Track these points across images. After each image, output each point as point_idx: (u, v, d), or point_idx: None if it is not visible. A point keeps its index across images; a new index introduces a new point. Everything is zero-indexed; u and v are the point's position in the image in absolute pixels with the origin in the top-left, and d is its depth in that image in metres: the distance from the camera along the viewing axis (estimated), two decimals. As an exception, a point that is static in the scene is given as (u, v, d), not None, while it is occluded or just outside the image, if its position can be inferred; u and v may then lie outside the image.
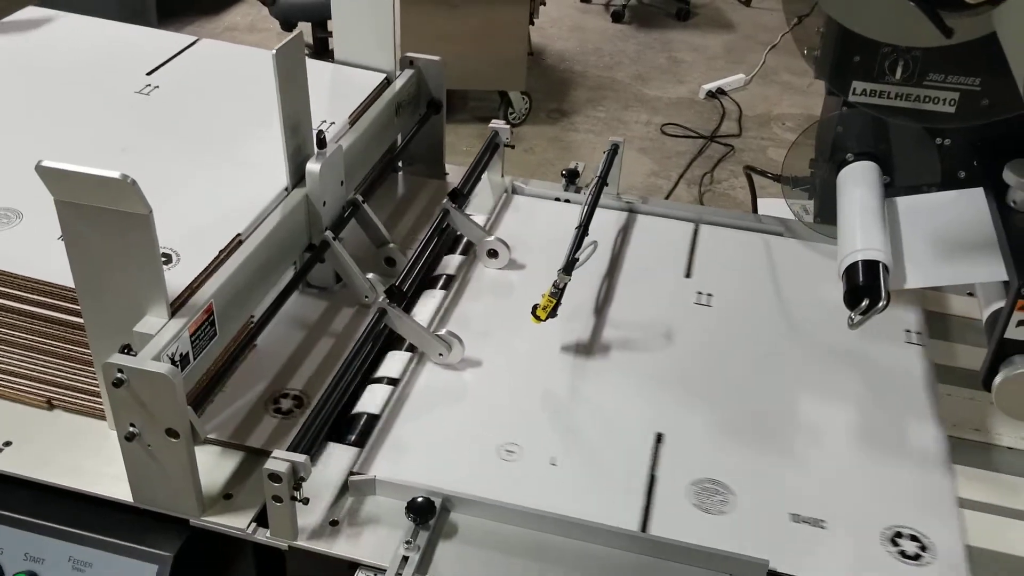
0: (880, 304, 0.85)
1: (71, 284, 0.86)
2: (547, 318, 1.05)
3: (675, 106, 4.00)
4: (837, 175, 1.08)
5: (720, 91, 4.04)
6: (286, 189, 1.07)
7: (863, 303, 0.86)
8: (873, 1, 0.91)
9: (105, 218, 0.80)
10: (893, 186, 1.08)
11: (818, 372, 1.05)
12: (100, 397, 0.94)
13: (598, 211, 1.36)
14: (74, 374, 0.95)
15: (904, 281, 0.93)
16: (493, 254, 1.23)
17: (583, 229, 1.18)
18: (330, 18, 1.34)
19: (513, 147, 1.44)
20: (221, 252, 0.96)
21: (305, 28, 3.62)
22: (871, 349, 1.05)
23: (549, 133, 3.71)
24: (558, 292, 1.04)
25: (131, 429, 0.82)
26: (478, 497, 0.89)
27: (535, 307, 1.05)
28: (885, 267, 0.89)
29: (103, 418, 0.95)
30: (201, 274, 0.92)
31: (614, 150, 1.38)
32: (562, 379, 1.06)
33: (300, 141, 1.07)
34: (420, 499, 0.87)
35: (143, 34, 1.41)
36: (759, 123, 3.87)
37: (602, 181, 1.31)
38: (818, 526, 0.89)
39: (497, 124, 1.40)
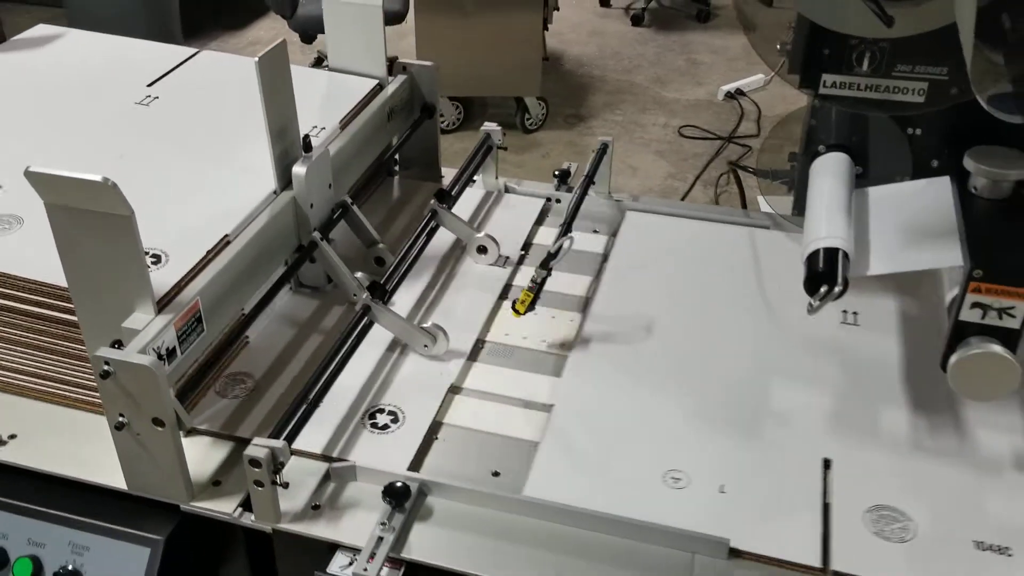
0: (836, 290, 0.87)
1: (66, 284, 0.92)
2: (525, 312, 1.08)
3: (693, 108, 4.01)
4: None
5: (739, 92, 4.05)
6: (275, 192, 1.12)
7: (822, 289, 0.89)
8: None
9: (90, 220, 0.85)
10: (866, 176, 1.10)
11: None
12: (97, 392, 0.99)
13: (588, 210, 1.41)
14: (73, 370, 1.00)
15: (868, 268, 0.95)
16: (482, 250, 1.27)
17: (566, 226, 1.21)
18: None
19: (506, 148, 1.48)
20: (209, 252, 1.01)
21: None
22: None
23: (566, 138, 3.75)
24: (535, 287, 1.08)
25: (120, 419, 0.87)
26: (452, 483, 0.93)
27: (514, 301, 1.09)
28: (845, 255, 0.91)
29: (101, 412, 1.00)
30: (189, 273, 0.97)
31: (603, 150, 1.41)
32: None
33: (287, 145, 1.12)
34: (396, 484, 0.91)
35: (147, 48, 1.47)
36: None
37: (588, 180, 1.34)
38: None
39: (489, 127, 1.44)
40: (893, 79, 1.04)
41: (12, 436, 0.99)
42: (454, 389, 1.07)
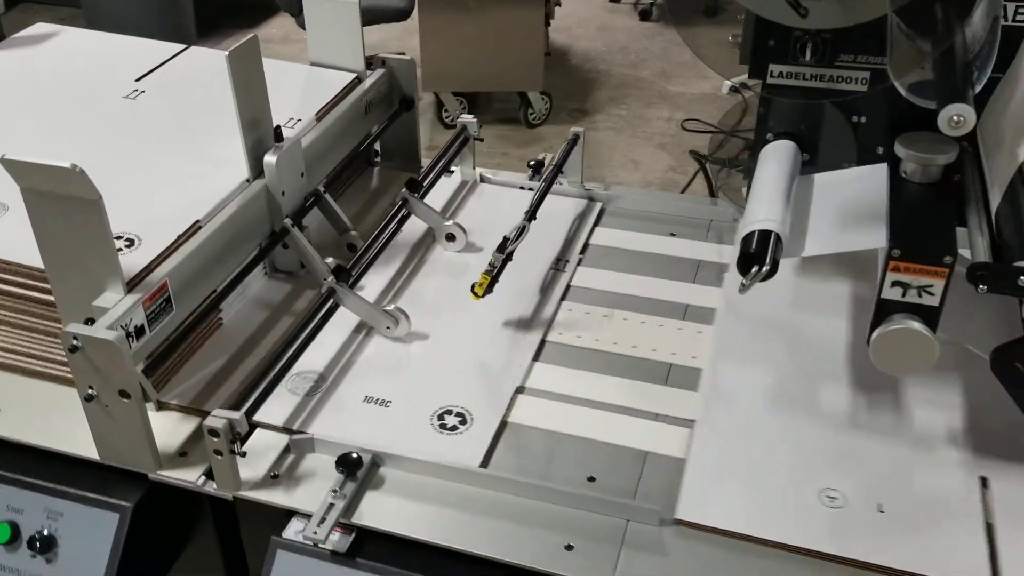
0: (763, 270, 0.91)
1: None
2: (484, 294, 1.13)
3: (698, 102, 4.04)
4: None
5: (744, 85, 4.07)
6: (247, 180, 1.17)
7: (753, 269, 0.93)
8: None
9: (62, 204, 0.90)
10: (813, 163, 1.14)
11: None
12: (74, 368, 1.05)
13: (560, 199, 1.46)
14: (53, 347, 1.06)
15: (803, 250, 0.99)
16: (451, 238, 1.32)
17: (530, 214, 1.26)
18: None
19: (482, 140, 1.53)
20: (180, 237, 1.06)
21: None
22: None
23: (569, 133, 3.79)
24: (493, 270, 1.13)
25: (90, 391, 0.93)
26: (404, 454, 0.98)
27: (473, 285, 1.14)
28: (778, 237, 0.95)
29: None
30: (159, 256, 1.03)
31: (574, 140, 1.45)
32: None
33: (260, 136, 1.17)
34: (349, 454, 0.96)
35: (140, 45, 1.53)
36: (781, 116, 3.89)
37: (556, 169, 1.39)
38: None
39: (465, 119, 1.48)
40: (836, 68, 1.08)
41: (-4, 409, 1.06)
42: (520, 389, 1.08)
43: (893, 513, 0.90)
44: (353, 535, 0.93)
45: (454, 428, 1.02)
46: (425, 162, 1.55)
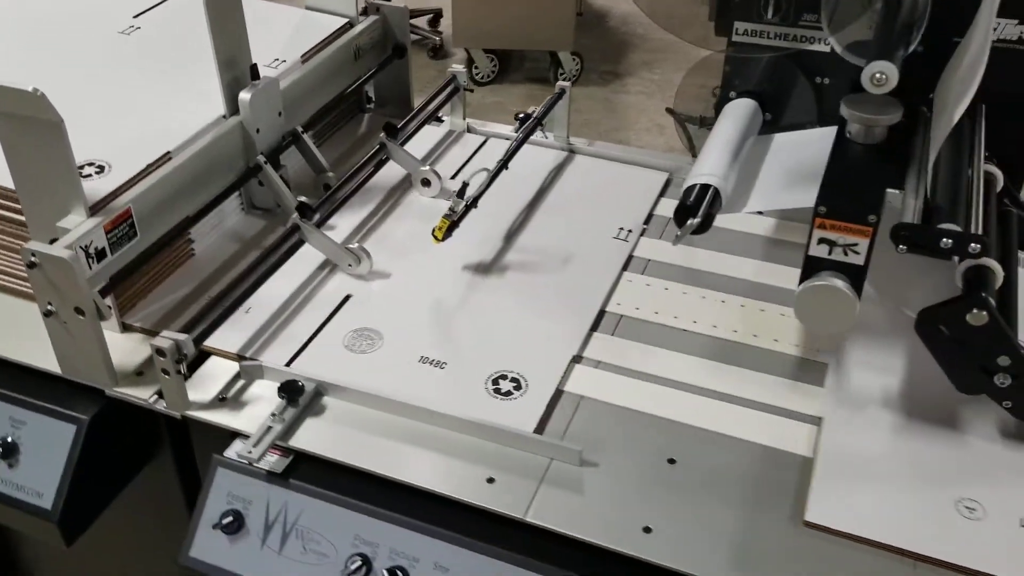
0: (694, 222, 0.92)
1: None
2: (444, 238, 1.15)
3: (734, 69, 3.99)
4: (722, 112, 1.14)
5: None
6: (224, 116, 1.21)
7: (688, 221, 0.94)
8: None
9: (27, 126, 0.95)
10: (775, 123, 1.14)
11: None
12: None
13: (540, 151, 1.48)
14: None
15: (745, 206, 1.00)
16: (426, 183, 1.34)
17: (503, 163, 1.28)
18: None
19: (472, 91, 1.54)
20: (149, 166, 1.11)
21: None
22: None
23: (599, 95, 3.77)
24: (452, 215, 1.15)
25: (48, 307, 0.98)
26: (346, 384, 1.01)
27: (434, 228, 1.16)
28: (716, 192, 0.96)
29: (50, 306, 1.12)
30: (126, 183, 1.07)
31: (558, 95, 1.47)
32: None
33: (237, 74, 1.20)
34: (293, 381, 1.00)
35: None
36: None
37: (537, 121, 1.40)
38: None
39: (455, 69, 1.50)
40: (800, 28, 1.08)
41: (-29, 323, 1.12)
42: (576, 359, 1.06)
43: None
44: (291, 458, 0.97)
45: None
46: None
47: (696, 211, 0.93)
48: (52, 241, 0.99)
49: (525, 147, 1.37)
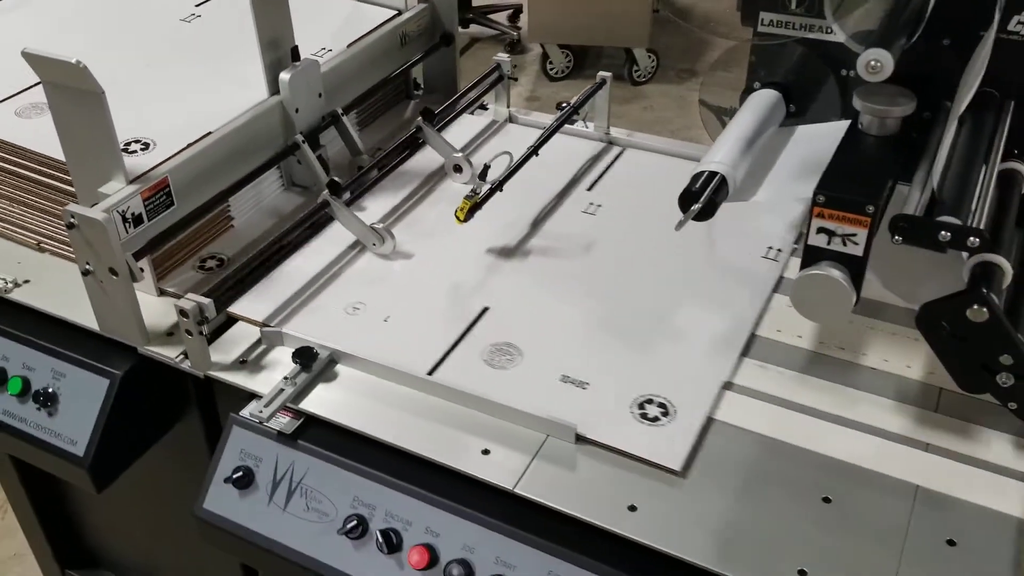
0: (695, 207, 0.93)
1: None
2: (465, 219, 1.18)
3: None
4: (746, 103, 1.14)
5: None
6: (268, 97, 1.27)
7: (693, 208, 0.95)
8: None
9: (72, 95, 1.02)
10: (799, 115, 1.13)
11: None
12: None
13: (577, 141, 1.49)
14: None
15: (754, 195, 1.00)
16: (458, 169, 1.38)
17: (534, 149, 1.31)
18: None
19: (516, 79, 1.57)
20: (190, 143, 1.17)
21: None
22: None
23: (674, 92, 3.75)
24: (473, 196, 1.18)
25: (87, 266, 1.05)
26: (358, 354, 1.05)
27: (456, 209, 1.20)
28: (723, 179, 0.96)
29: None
30: (168, 158, 1.14)
31: (599, 85, 1.48)
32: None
33: (280, 55, 1.26)
34: (307, 347, 1.04)
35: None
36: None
37: (572, 110, 1.42)
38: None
39: (500, 58, 1.53)
40: (825, 19, 1.07)
41: (26, 281, 1.20)
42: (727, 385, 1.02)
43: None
44: (301, 420, 1.02)
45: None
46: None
47: (699, 197, 0.94)
48: (93, 206, 1.06)
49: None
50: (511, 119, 1.56)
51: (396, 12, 1.50)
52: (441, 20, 1.56)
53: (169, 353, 1.09)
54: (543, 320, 1.11)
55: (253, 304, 1.13)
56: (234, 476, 1.01)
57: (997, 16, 0.84)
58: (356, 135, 1.36)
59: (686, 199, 0.96)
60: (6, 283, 1.18)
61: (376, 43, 1.43)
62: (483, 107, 1.56)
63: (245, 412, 1.03)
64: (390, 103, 1.57)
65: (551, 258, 1.23)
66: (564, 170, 1.41)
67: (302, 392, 1.03)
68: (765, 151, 1.06)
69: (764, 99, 1.10)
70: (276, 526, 1.00)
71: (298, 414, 1.02)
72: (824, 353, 1.06)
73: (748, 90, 1.14)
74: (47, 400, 1.11)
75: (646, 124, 3.48)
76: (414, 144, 1.36)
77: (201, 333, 1.03)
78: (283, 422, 1.02)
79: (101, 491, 1.12)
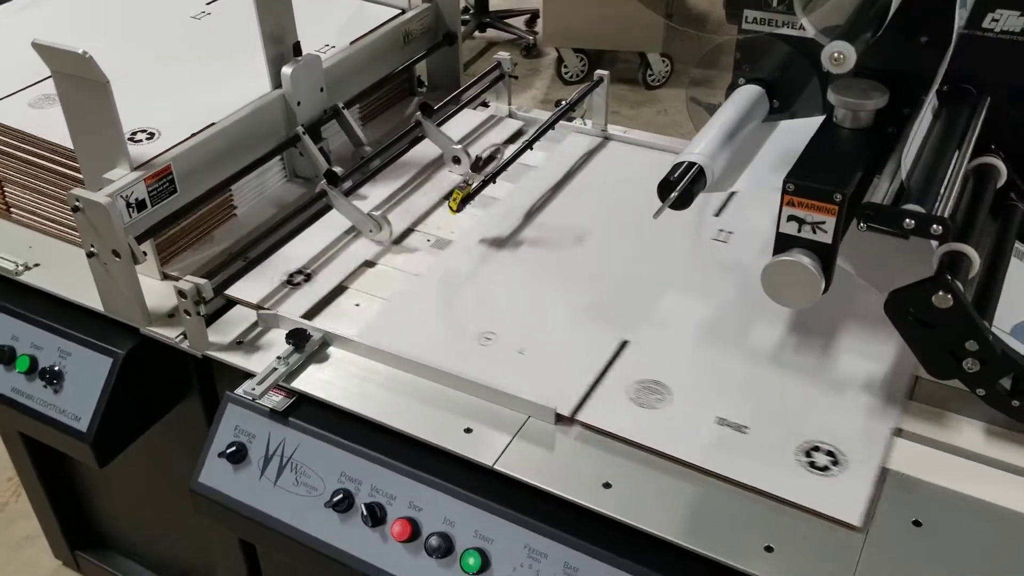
0: (672, 196, 0.96)
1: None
2: (459, 209, 1.22)
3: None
4: (731, 98, 1.17)
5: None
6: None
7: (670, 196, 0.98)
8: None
9: (78, 85, 1.06)
10: (782, 110, 1.16)
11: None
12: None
13: (575, 137, 1.53)
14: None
15: (733, 185, 1.03)
16: (456, 161, 1.41)
17: (528, 143, 1.34)
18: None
19: (516, 77, 1.61)
20: (193, 133, 1.21)
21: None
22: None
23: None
24: (465, 186, 1.22)
25: (91, 248, 1.10)
26: (348, 336, 1.09)
27: (448, 200, 1.23)
28: (701, 170, 0.99)
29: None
30: (171, 147, 1.18)
31: (596, 83, 1.51)
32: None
33: (282, 50, 1.30)
34: (301, 330, 1.08)
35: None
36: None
37: (569, 106, 1.45)
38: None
39: (500, 56, 1.57)
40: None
41: (36, 264, 1.25)
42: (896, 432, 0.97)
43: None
44: (293, 399, 1.06)
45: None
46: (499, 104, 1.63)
47: (676, 186, 0.96)
48: (98, 191, 1.11)
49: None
50: (511, 115, 1.59)
51: (400, 11, 1.55)
52: (444, 20, 1.60)
53: (169, 333, 1.13)
54: (689, 357, 1.06)
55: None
56: (228, 451, 1.05)
57: (958, 13, 0.87)
58: (358, 128, 1.40)
59: (664, 188, 0.99)
60: (17, 266, 1.23)
61: (379, 41, 1.47)
62: (484, 104, 1.60)
63: (239, 390, 1.07)
64: (394, 99, 1.61)
65: (687, 295, 1.17)
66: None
67: (294, 372, 1.07)
68: (747, 144, 1.09)
69: (747, 94, 1.13)
70: (267, 499, 1.04)
71: (290, 393, 1.06)
72: None
73: (733, 86, 1.17)
74: (53, 378, 1.16)
75: (660, 128, 3.50)
76: (414, 137, 1.40)
77: (199, 314, 1.07)
78: (275, 400, 1.05)
79: (103, 466, 1.16)
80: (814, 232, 0.91)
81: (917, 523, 0.88)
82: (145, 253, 1.12)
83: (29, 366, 1.17)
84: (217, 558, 1.46)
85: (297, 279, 1.20)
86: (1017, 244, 1.05)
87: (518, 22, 4.35)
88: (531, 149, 1.35)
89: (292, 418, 1.04)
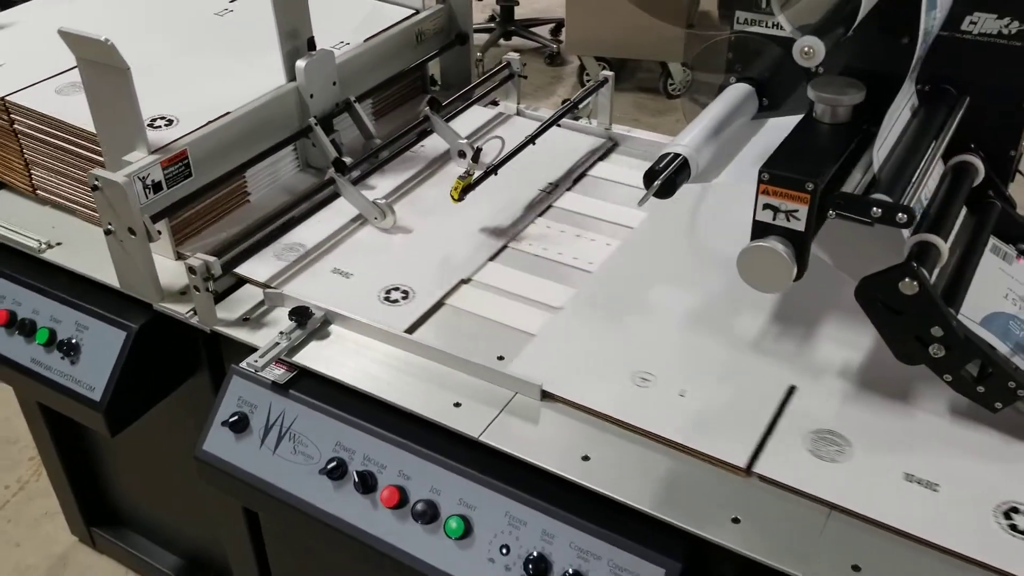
0: (655, 184, 1.00)
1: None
2: (460, 198, 1.27)
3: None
4: (724, 96, 1.21)
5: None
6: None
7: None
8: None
9: (102, 71, 1.13)
10: (772, 108, 1.20)
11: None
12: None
13: (579, 136, 1.58)
14: (105, 199, 1.31)
15: (718, 177, 1.07)
16: (462, 155, 1.46)
17: (531, 138, 1.39)
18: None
19: (526, 77, 1.66)
20: (210, 121, 1.28)
21: None
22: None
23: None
24: (467, 176, 1.27)
25: (108, 226, 1.16)
26: (349, 314, 1.15)
27: (451, 189, 1.29)
28: (685, 161, 1.03)
29: (120, 233, 1.30)
30: (188, 133, 1.25)
31: (600, 83, 1.56)
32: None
33: (297, 44, 1.37)
34: (304, 307, 1.14)
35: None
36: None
37: (573, 104, 1.50)
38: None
39: (510, 57, 1.62)
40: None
41: (58, 243, 1.31)
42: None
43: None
44: (294, 373, 1.11)
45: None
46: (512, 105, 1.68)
47: (659, 175, 1.01)
48: (117, 172, 1.17)
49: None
50: (519, 113, 1.64)
51: (414, 11, 1.61)
52: (457, 20, 1.65)
53: (180, 309, 1.19)
54: (867, 403, 1.01)
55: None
56: (231, 420, 1.11)
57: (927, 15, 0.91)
58: (369, 121, 1.46)
59: (650, 177, 1.03)
60: (40, 244, 1.30)
61: (392, 39, 1.53)
62: (494, 103, 1.66)
63: (243, 363, 1.13)
64: (407, 96, 1.67)
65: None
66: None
67: (296, 347, 1.12)
68: (734, 140, 1.13)
69: (736, 92, 1.17)
70: (266, 467, 1.09)
71: (291, 367, 1.12)
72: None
73: (724, 84, 1.21)
74: (70, 350, 1.22)
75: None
76: (422, 131, 1.46)
77: (208, 290, 1.13)
78: (277, 373, 1.11)
79: (115, 435, 1.22)
80: (788, 220, 0.95)
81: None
82: (160, 232, 1.18)
83: (48, 338, 1.24)
84: (223, 533, 1.52)
85: (302, 260, 1.26)
86: (994, 240, 1.08)
87: (543, 31, 4.41)
88: (533, 144, 1.39)
89: (292, 390, 1.10)
